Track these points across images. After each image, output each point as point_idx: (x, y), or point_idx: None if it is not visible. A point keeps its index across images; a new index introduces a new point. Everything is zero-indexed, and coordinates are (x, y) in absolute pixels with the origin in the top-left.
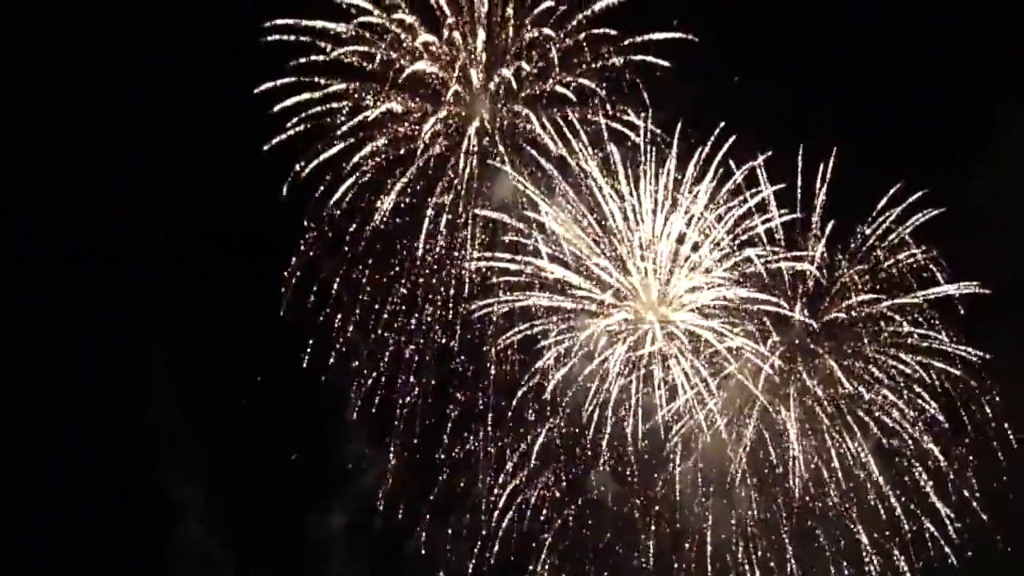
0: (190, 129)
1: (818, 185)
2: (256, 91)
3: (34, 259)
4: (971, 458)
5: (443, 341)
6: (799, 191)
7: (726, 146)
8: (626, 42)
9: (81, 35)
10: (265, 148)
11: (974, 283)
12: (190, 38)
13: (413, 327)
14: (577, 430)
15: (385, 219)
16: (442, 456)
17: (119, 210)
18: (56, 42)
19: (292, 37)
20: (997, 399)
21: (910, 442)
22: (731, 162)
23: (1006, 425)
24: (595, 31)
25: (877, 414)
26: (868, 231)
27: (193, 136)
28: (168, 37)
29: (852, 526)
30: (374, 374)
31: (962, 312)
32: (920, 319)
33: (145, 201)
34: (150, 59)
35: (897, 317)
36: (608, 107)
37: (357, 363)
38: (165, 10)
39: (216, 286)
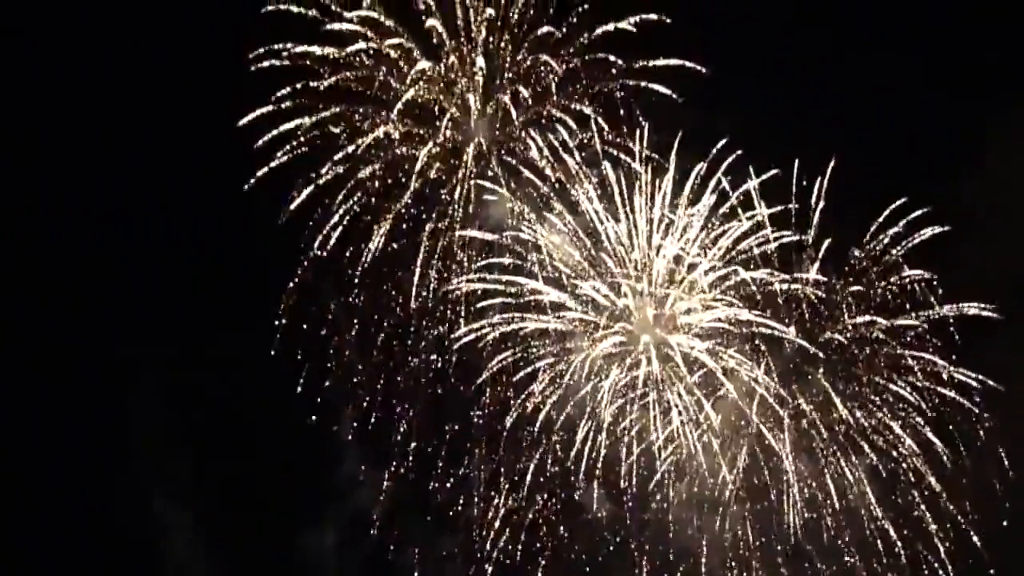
0: (188, 150)
1: (813, 201)
2: (256, 113)
3: (28, 272)
4: (963, 479)
5: (438, 365)
6: (793, 210)
7: (724, 165)
8: (626, 67)
9: (77, 55)
10: (259, 173)
11: (975, 304)
12: (183, 59)
13: (409, 348)
14: (571, 452)
15: (382, 242)
16: (437, 470)
17: (114, 227)
18: (51, 57)
19: (287, 63)
20: (990, 424)
21: (905, 466)
22: (725, 183)
23: (1001, 451)
24: (595, 55)
25: (873, 437)
26: (866, 250)
27: (191, 157)
28: (163, 58)
29: (846, 548)
30: (367, 398)
31: (957, 338)
32: (915, 341)
33: (140, 219)
34: (147, 75)
35: (891, 341)
36: (606, 130)
37: (352, 384)
38: (160, 31)
39: (211, 304)
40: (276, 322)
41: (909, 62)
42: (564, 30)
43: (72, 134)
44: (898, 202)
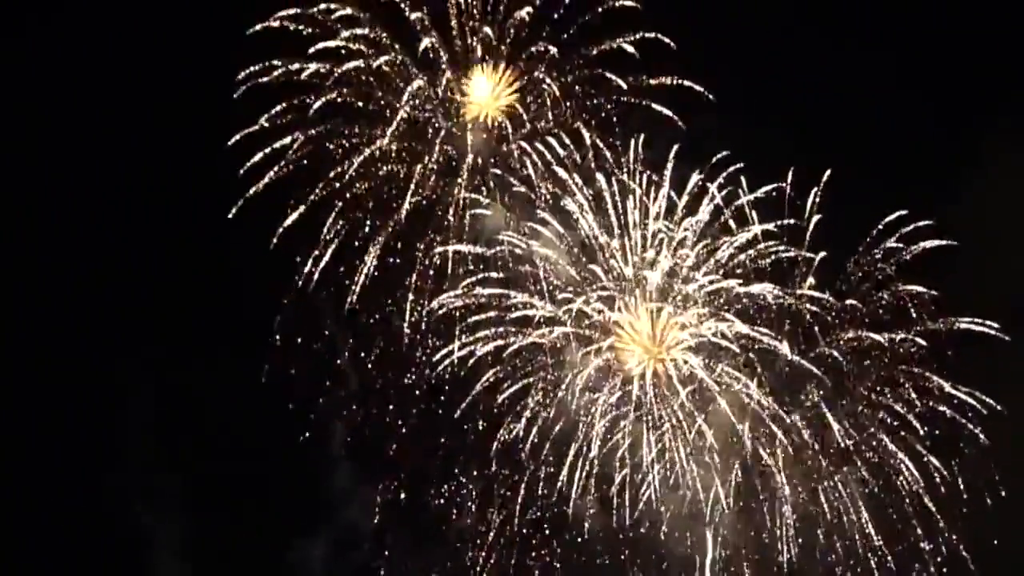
0: (187, 164)
1: (808, 214)
2: (254, 128)
3: (27, 280)
4: (955, 496)
5: (431, 380)
6: (788, 224)
7: (720, 179)
8: (626, 86)
9: (81, 67)
10: (254, 189)
11: (975, 320)
12: (179, 73)
13: (402, 363)
14: (564, 466)
15: (376, 258)
16: (429, 485)
17: (111, 237)
18: (49, 67)
19: (282, 79)
20: (983, 440)
21: (898, 483)
22: (719, 198)
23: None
24: (594, 72)
25: (866, 453)
26: (862, 264)
27: (185, 173)
28: (159, 74)
29: (838, 562)
30: (361, 413)
31: (949, 353)
32: (911, 356)
33: (137, 232)
34: (146, 89)
35: (885, 357)
36: (602, 147)
37: (345, 399)
38: (158, 46)
39: (206, 317)
40: (270, 338)
41: (907, 71)
42: (562, 48)
43: (77, 144)
44: (894, 215)
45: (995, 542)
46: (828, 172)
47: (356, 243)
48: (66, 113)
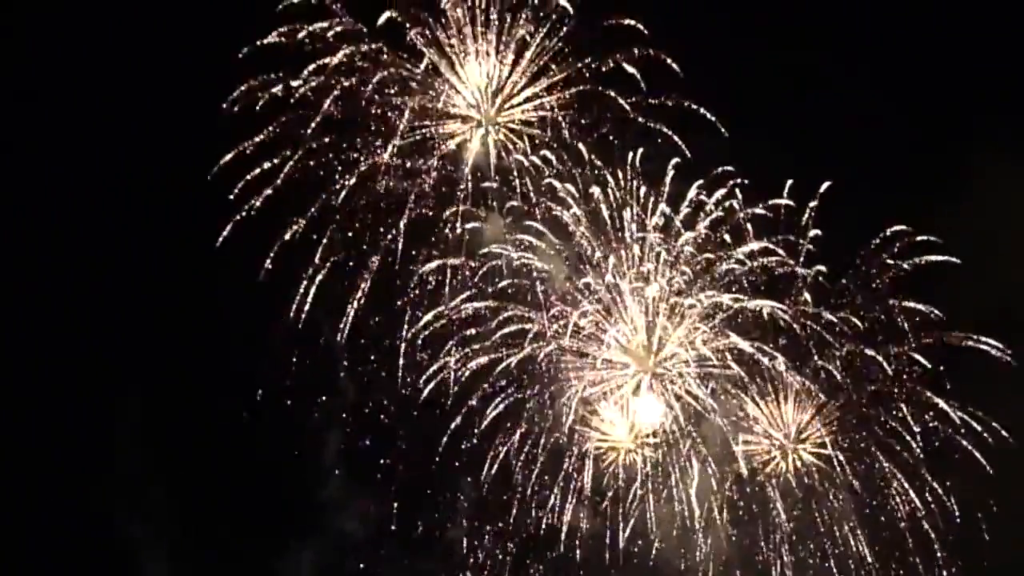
0: (178, 180)
1: (804, 226)
2: (253, 141)
3: (13, 291)
4: (953, 502)
5: (426, 394)
6: (783, 239)
7: (718, 194)
8: (629, 104)
9: (91, 72)
10: (250, 205)
11: (970, 335)
12: (173, 89)
13: (398, 375)
14: (559, 477)
15: (375, 270)
16: (423, 496)
17: (101, 248)
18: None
19: (280, 94)
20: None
21: (894, 503)
22: (716, 213)
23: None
24: (596, 88)
25: (859, 468)
26: (861, 278)
27: (182, 187)
28: (154, 85)
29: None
30: (355, 424)
31: (941, 368)
32: (906, 372)
33: (128, 241)
34: (143, 98)
35: (880, 372)
36: (599, 164)
37: (340, 410)
38: (151, 58)
39: (198, 326)
40: (266, 350)
41: (906, 81)
42: (562, 64)
43: (77, 153)
44: (891, 229)
45: (984, 563)
46: (826, 184)
47: (353, 256)
48: (65, 120)
